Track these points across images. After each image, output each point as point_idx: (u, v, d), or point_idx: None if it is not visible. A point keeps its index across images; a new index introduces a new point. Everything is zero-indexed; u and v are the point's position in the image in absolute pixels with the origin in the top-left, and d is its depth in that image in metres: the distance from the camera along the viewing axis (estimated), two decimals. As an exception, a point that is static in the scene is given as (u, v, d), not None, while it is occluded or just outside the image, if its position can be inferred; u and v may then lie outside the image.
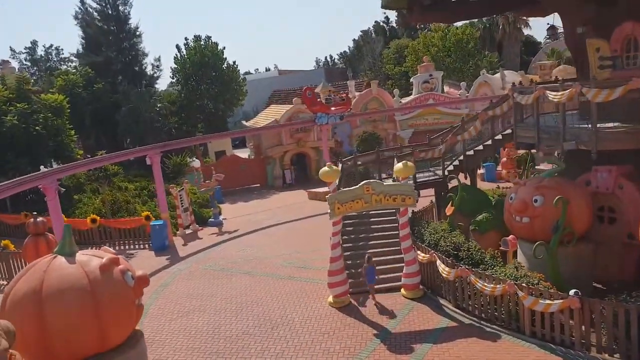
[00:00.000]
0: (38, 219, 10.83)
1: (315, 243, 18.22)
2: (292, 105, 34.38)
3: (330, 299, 12.87)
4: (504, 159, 27.52)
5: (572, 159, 13.21)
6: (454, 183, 16.75)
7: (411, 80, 41.08)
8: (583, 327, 9.35)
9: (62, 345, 6.86)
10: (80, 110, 32.14)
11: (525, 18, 49.99)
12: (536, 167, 25.55)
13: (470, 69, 47.74)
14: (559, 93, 12.19)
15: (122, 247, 19.83)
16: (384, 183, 13.10)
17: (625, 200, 11.72)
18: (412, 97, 38.25)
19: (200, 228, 22.58)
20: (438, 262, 12.24)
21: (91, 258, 7.53)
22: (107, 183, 22.38)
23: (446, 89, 38.62)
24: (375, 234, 15.28)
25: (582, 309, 9.22)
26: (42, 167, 22.41)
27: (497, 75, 38.02)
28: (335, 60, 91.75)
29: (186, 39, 40.53)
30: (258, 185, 34.06)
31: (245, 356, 10.54)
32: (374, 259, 14.13)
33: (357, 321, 11.72)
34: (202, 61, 38.94)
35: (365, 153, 21.80)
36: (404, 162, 13.31)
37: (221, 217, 23.50)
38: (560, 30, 35.77)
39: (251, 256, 17.67)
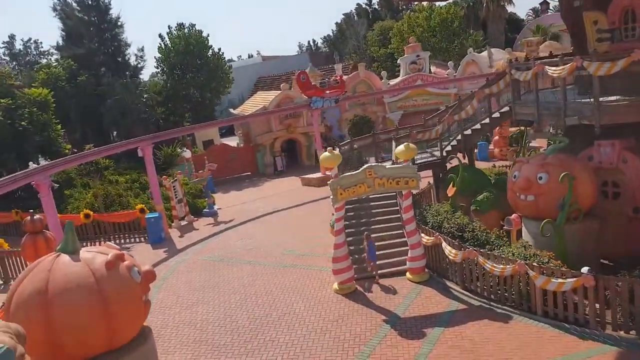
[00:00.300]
0: (35, 217, 10.46)
1: (314, 230, 18.06)
2: (280, 91, 33.89)
3: (336, 285, 12.74)
4: (496, 138, 27.51)
5: (572, 135, 13.09)
6: (451, 164, 16.62)
7: (398, 61, 40.77)
8: (597, 305, 9.29)
9: (70, 345, 6.65)
10: (64, 104, 31.29)
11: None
12: (529, 144, 25.70)
13: (456, 49, 47.56)
14: (559, 68, 12.01)
15: (117, 242, 19.39)
16: (386, 166, 12.91)
17: (630, 173, 11.67)
18: (400, 78, 37.98)
19: (196, 219, 22.25)
20: (444, 244, 12.14)
21: (96, 255, 7.27)
22: (99, 177, 21.87)
23: (433, 69, 38.44)
24: (376, 218, 15.12)
25: (597, 286, 9.14)
26: (30, 163, 21.80)
27: (484, 53, 37.89)
28: (319, 45, 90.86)
29: (169, 27, 39.38)
30: (249, 173, 33.66)
31: (254, 347, 10.38)
32: (376, 243, 14.08)
33: (365, 307, 11.61)
34: (187, 50, 38.08)
35: (361, 137, 21.56)
36: (405, 144, 13.10)
37: (216, 207, 23.17)
38: (553, 4, 35.72)
39: (250, 245, 17.45)
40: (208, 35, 39.56)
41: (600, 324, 9.32)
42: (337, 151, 13.60)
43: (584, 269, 9.44)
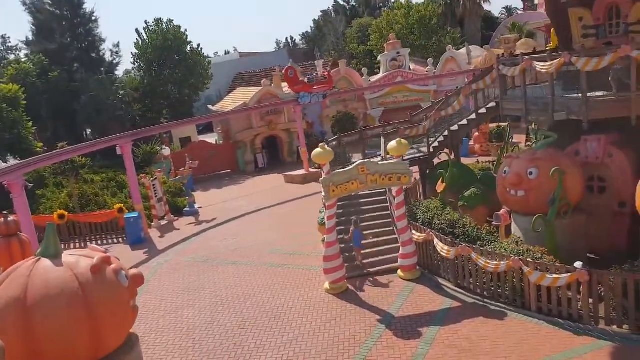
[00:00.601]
0: (9, 219, 9.87)
1: (300, 228, 17.78)
2: (260, 88, 33.44)
3: (327, 285, 12.48)
4: (477, 134, 27.67)
5: (558, 130, 13.09)
6: (440, 159, 16.54)
7: (378, 58, 40.75)
8: (590, 300, 9.29)
9: (52, 356, 6.19)
10: (35, 100, 30.14)
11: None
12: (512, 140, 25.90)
13: (434, 46, 47.78)
14: (548, 63, 12.00)
15: (93, 243, 18.72)
16: (379, 162, 12.72)
17: (615, 168, 11.76)
18: (380, 75, 37.96)
19: (176, 218, 21.68)
20: (436, 241, 12.01)
21: (79, 258, 6.81)
22: (75, 176, 21.05)
23: (412, 66, 38.51)
24: (366, 215, 14.93)
25: (590, 281, 9.14)
26: None
27: (463, 50, 38.16)
28: (297, 42, 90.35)
29: (146, 22, 38.45)
30: (229, 171, 33.19)
31: (245, 351, 10.04)
32: (366, 241, 13.92)
33: (358, 307, 11.38)
34: (165, 45, 37.19)
35: (348, 133, 21.38)
36: (397, 140, 12.92)
37: (197, 206, 22.64)
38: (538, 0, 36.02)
39: (235, 245, 17.04)
40: (186, 31, 38.78)
41: (594, 318, 9.32)
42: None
43: (578, 264, 9.44)
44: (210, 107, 41.39)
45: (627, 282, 8.82)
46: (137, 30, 38.16)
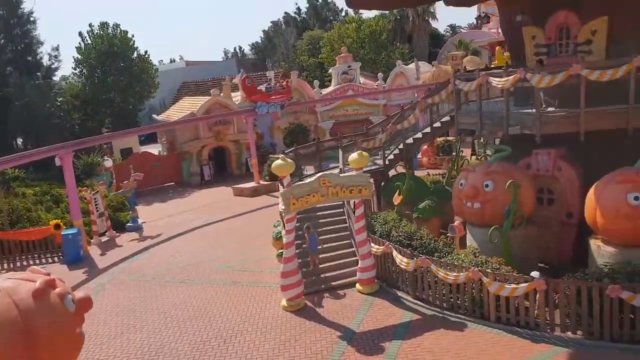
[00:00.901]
0: None
1: (252, 243, 17.22)
2: (209, 97, 32.57)
3: (284, 302, 12.01)
4: (425, 147, 28.18)
5: (509, 144, 13.41)
6: (397, 171, 16.58)
7: (329, 71, 41.02)
8: (546, 308, 9.45)
9: None
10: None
11: (432, 11, 52.08)
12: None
13: (383, 60, 48.79)
14: (504, 79, 12.30)
15: (25, 263, 17.12)
16: (340, 175, 12.49)
17: (564, 181, 12.16)
18: (331, 88, 38.21)
19: (118, 234, 20.37)
20: (395, 253, 11.90)
21: (18, 283, 6.03)
22: (5, 189, 19.30)
23: (362, 80, 39.03)
24: (323, 229, 14.63)
25: (547, 290, 9.30)
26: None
27: (411, 65, 39.08)
28: (245, 52, 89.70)
29: (91, 25, 36.45)
30: (173, 183, 31.87)
31: (199, 376, 9.41)
32: (323, 255, 13.66)
33: (317, 324, 10.99)
34: (110, 50, 35.53)
35: (304, 145, 21.12)
36: (359, 152, 12.78)
37: (140, 221, 21.43)
38: (494, 17, 37.40)
39: (183, 262, 16.17)
40: (133, 36, 37.32)
41: (550, 326, 9.51)
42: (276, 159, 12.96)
43: (535, 274, 9.59)
44: (155, 116, 39.92)
45: (580, 290, 9.04)
46: (80, 34, 36.25)
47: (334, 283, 12.88)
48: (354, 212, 12.68)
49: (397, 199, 14.73)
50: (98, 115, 35.61)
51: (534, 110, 11.87)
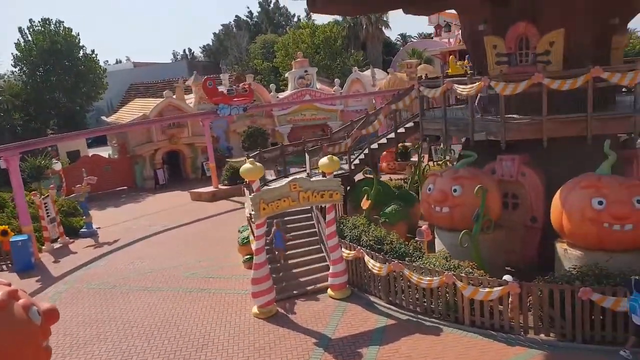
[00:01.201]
0: None
1: (215, 249, 16.84)
2: (162, 99, 31.63)
3: (255, 309, 11.76)
4: (384, 153, 28.62)
5: (472, 150, 13.79)
6: (366, 176, 16.62)
7: (286, 75, 40.90)
8: (520, 311, 9.72)
9: None
10: None
11: (385, 19, 53.19)
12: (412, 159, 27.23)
13: (338, 67, 49.23)
14: (468, 86, 12.68)
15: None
16: (310, 179, 12.40)
17: (528, 186, 12.64)
18: (288, 92, 38.11)
19: (72, 240, 19.31)
20: (366, 258, 11.93)
21: None
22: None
23: (319, 85, 39.21)
24: (292, 234, 14.46)
25: (521, 293, 9.57)
26: None
27: (367, 72, 39.67)
28: (195, 54, 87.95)
29: (31, 21, 34.35)
30: (125, 187, 30.69)
31: (172, 389, 9.02)
32: (292, 260, 13.54)
33: (291, 331, 10.83)
34: (53, 48, 33.69)
35: (268, 149, 20.87)
36: (329, 156, 12.74)
37: (95, 227, 20.43)
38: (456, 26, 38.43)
39: (145, 269, 15.54)
40: (79, 34, 35.60)
41: (524, 328, 9.78)
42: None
43: (508, 277, 9.85)
44: (104, 118, 38.26)
45: (553, 292, 9.37)
46: (20, 30, 34.16)
47: (305, 289, 12.76)
48: (324, 218, 12.62)
49: (365, 204, 14.83)
50: (42, 115, 33.68)
51: (498, 117, 12.29)
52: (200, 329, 11.18)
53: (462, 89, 12.89)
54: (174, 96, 31.88)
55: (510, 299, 9.65)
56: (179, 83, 36.09)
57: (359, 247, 12.39)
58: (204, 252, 16.74)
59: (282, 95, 37.91)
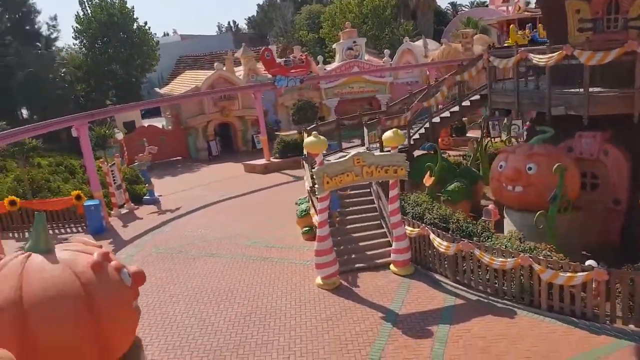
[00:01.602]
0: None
1: (273, 220, 16.99)
2: (213, 71, 31.85)
3: (319, 280, 11.86)
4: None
5: (544, 124, 13.08)
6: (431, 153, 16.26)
7: (333, 46, 40.22)
8: (603, 298, 9.13)
9: None
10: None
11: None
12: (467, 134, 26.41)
13: (387, 37, 47.94)
14: (547, 56, 11.97)
15: (51, 232, 16.77)
16: (374, 153, 12.21)
17: (611, 166, 11.92)
18: (336, 64, 37.38)
19: (137, 207, 20.06)
20: (432, 236, 11.69)
21: (75, 254, 5.88)
22: (24, 159, 18.78)
23: (367, 57, 38.34)
24: (350, 209, 14.40)
25: (608, 280, 8.97)
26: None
27: (419, 42, 38.39)
28: (240, 26, 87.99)
29: (89, -6, 35.21)
30: (180, 158, 31.44)
31: (247, 351, 9.28)
32: (353, 235, 13.52)
33: (356, 304, 10.86)
34: (110, 21, 34.40)
35: (325, 122, 20.77)
36: (394, 129, 12.45)
37: (157, 194, 21.11)
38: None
39: (208, 236, 15.92)
40: (133, 7, 36.12)
41: (610, 317, 9.17)
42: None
43: (591, 262, 9.39)
44: (157, 89, 39.05)
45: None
46: (80, 3, 34.96)
47: (366, 263, 12.72)
48: (384, 194, 12.39)
49: (428, 180, 14.53)
50: (101, 87, 34.67)
51: (581, 90, 11.57)
52: (267, 297, 11.40)
53: (540, 59, 12.19)
54: (224, 68, 32.07)
55: (594, 286, 9.18)
56: (228, 55, 36.17)
57: (423, 224, 12.17)
58: (262, 222, 16.95)
59: (329, 67, 37.33)
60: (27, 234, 16.92)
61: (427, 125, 16.87)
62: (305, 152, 16.61)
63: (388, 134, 12.53)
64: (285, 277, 12.41)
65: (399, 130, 12.57)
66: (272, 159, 26.43)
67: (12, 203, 16.37)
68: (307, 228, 14.94)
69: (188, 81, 34.71)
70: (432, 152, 16.08)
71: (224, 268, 13.20)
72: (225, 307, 11.05)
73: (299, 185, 19.75)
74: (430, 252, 12.06)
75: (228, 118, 32.09)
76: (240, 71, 34.20)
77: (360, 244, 13.33)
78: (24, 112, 32.71)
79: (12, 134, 15.49)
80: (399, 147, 16.79)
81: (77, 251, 6.01)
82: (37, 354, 5.14)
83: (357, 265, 12.66)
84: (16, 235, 17.29)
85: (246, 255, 14.04)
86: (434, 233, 11.69)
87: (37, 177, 18.51)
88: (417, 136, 16.95)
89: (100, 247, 6.22)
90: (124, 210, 19.43)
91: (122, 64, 35.60)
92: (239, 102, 32.08)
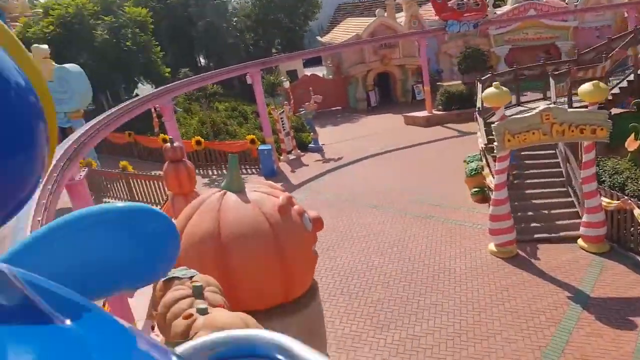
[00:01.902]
0: (175, 144, 9.34)
1: (438, 177, 16.27)
2: (374, 18, 31.06)
3: (492, 247, 11.09)
4: None
5: None
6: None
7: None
8: None
9: (247, 296, 5.76)
10: (156, 25, 30.10)
11: None
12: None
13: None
14: None
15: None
16: (569, 110, 10.69)
17: None
18: (508, 7, 33.53)
19: (303, 154, 21.05)
20: (637, 211, 9.97)
21: (263, 196, 6.18)
22: (207, 103, 20.85)
23: (546, -4, 33.64)
24: (530, 172, 13.07)
25: None
26: (140, 85, 21.05)
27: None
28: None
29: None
30: (339, 107, 31.83)
31: (415, 309, 9.22)
32: (533, 201, 12.28)
33: (536, 277, 9.94)
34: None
35: (501, 72, 19.06)
36: (594, 82, 10.71)
37: (320, 143, 21.79)
38: None
39: (373, 188, 15.93)
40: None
41: None
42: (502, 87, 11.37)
43: None
44: (318, 38, 39.62)
45: None
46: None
47: (548, 234, 11.50)
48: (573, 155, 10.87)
49: (632, 144, 12.36)
50: (268, 35, 36.30)
51: None
52: (435, 256, 11.07)
53: None
54: (386, 15, 31.04)
55: None
56: (389, 1, 34.87)
57: (625, 196, 10.45)
58: (426, 178, 16.39)
59: (500, 11, 33.70)
60: (209, 171, 18.87)
61: (630, 77, 14.27)
62: (478, 104, 15.41)
63: (586, 86, 10.80)
64: (452, 239, 11.90)
65: (600, 83, 10.75)
66: (434, 111, 25.27)
67: (198, 143, 18.35)
68: (477, 189, 14.03)
69: (350, 29, 34.52)
70: (637, 110, 13.69)
71: (387, 220, 13.17)
72: (391, 259, 11.03)
73: (466, 140, 18.62)
74: (632, 229, 10.38)
75: (388, 67, 31.35)
76: (401, 17, 32.90)
77: (542, 211, 12.08)
78: (202, 60, 35.83)
79: (200, 79, 17.09)
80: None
81: (264, 193, 6.33)
82: (232, 279, 5.58)
83: (536, 235, 11.54)
84: (201, 171, 19.18)
85: (410, 211, 13.76)
86: (639, 208, 9.98)
87: (217, 120, 20.35)
88: (616, 90, 14.48)
89: (282, 190, 6.43)
90: (291, 157, 20.48)
91: (286, 12, 36.64)
92: (399, 50, 31.05)
